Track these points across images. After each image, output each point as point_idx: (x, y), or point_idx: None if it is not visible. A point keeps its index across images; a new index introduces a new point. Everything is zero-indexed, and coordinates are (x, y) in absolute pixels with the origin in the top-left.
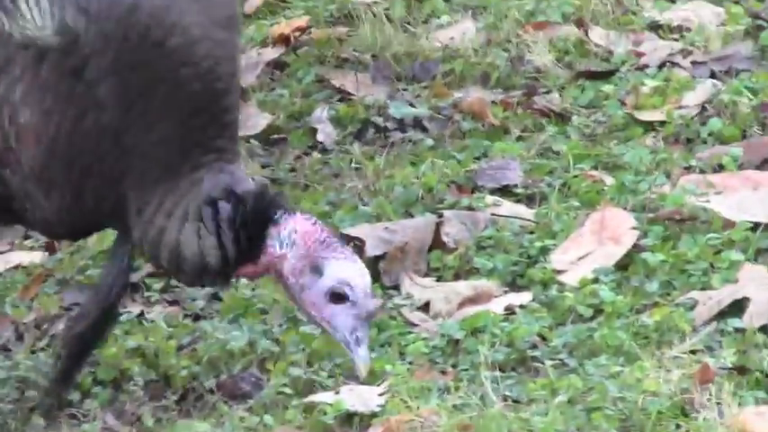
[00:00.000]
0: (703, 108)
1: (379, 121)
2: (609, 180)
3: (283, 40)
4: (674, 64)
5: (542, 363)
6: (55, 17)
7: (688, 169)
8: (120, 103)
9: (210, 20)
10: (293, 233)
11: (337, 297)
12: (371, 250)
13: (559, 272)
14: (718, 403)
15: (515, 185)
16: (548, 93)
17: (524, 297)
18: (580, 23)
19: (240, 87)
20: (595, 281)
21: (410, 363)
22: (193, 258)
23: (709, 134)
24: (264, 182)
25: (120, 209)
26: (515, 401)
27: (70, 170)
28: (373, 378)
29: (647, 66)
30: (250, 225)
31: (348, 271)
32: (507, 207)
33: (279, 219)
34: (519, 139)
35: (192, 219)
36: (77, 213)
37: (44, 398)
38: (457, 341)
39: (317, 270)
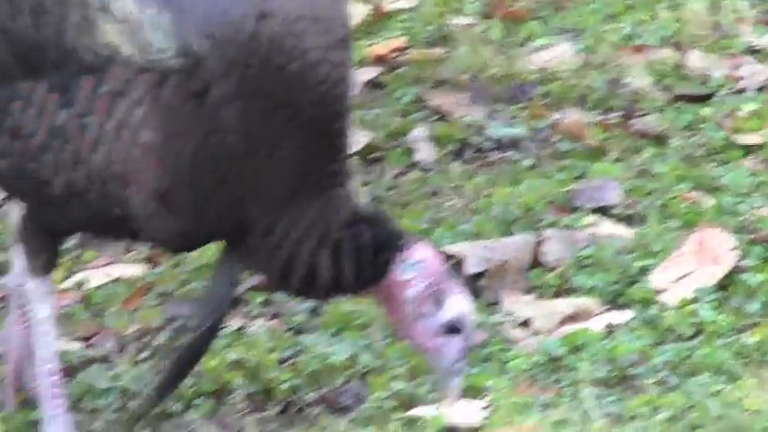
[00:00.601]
0: None
1: (478, 141)
2: (708, 201)
3: (381, 60)
4: None
5: (644, 380)
6: (177, 40)
7: None
8: (243, 127)
9: (327, 42)
10: (420, 261)
11: (452, 329)
12: (471, 268)
13: (659, 291)
14: None
15: (614, 206)
16: (645, 115)
17: (625, 315)
18: (678, 47)
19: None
20: (695, 300)
21: (511, 379)
22: (327, 282)
23: None
24: (382, 210)
25: (241, 230)
26: (617, 418)
27: (193, 192)
28: (475, 393)
29: (744, 90)
30: (383, 250)
31: (464, 306)
32: (607, 227)
33: (407, 245)
34: (617, 160)
35: (327, 247)
36: (198, 232)
37: (143, 407)
38: (558, 358)
39: (437, 301)
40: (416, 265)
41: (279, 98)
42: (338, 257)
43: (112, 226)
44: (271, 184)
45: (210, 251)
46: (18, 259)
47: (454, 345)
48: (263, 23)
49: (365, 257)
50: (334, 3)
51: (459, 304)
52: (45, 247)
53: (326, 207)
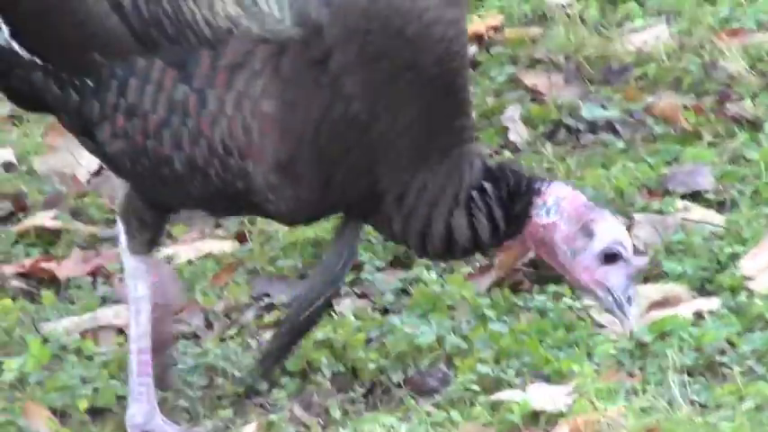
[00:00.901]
0: None
1: (571, 122)
2: None
3: (477, 37)
4: None
5: (730, 368)
6: (295, 10)
7: None
8: (367, 93)
9: (438, 3)
10: (559, 200)
11: (611, 257)
12: None
13: (749, 278)
14: None
15: (706, 191)
16: (740, 100)
17: (713, 303)
18: None
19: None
20: None
21: (597, 364)
22: (465, 242)
23: None
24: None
25: (370, 197)
26: (702, 406)
27: (318, 161)
28: (560, 378)
29: None
30: (518, 199)
31: (618, 230)
32: (697, 212)
33: (541, 188)
34: (710, 144)
35: (461, 205)
36: (322, 202)
37: (249, 375)
38: (644, 344)
39: (588, 233)
40: (556, 205)
41: (399, 60)
42: (474, 215)
43: (232, 201)
44: (399, 147)
45: (302, 229)
46: (119, 236)
47: (618, 272)
48: None
49: (501, 210)
50: None
51: (610, 231)
52: (150, 226)
53: (457, 165)
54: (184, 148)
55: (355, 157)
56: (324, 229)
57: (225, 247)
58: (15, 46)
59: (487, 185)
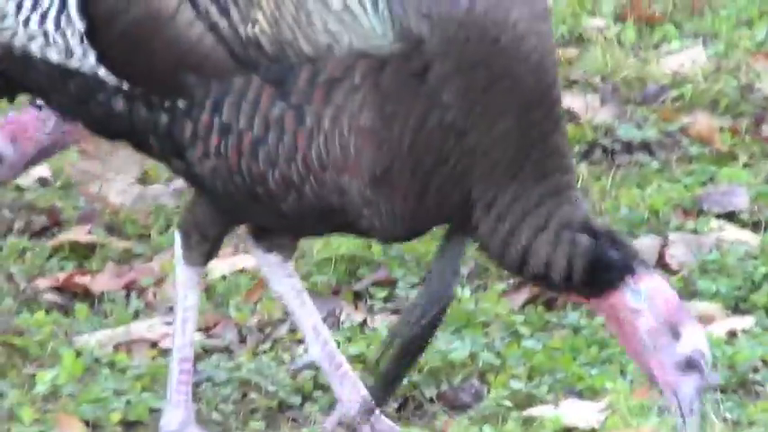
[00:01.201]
0: None
1: (607, 142)
2: None
3: None
4: None
5: (763, 386)
6: (395, 24)
7: None
8: (463, 103)
9: (532, 13)
10: (652, 290)
11: (690, 366)
12: None
13: None
14: None
15: (741, 211)
16: None
17: (747, 321)
18: None
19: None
20: None
21: (630, 381)
22: (537, 267)
23: None
24: (621, 230)
25: (463, 207)
26: (735, 423)
27: (413, 172)
28: (593, 394)
29: None
30: (606, 265)
31: (703, 341)
32: (732, 232)
33: (638, 271)
34: (746, 165)
35: (548, 233)
36: (418, 214)
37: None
38: None
39: (675, 334)
40: (648, 294)
41: (494, 71)
42: (557, 251)
43: (324, 218)
44: (493, 157)
45: (336, 245)
46: (176, 246)
47: (691, 383)
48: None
49: (584, 264)
50: None
51: (696, 339)
52: (211, 239)
53: (557, 192)
54: (280, 165)
55: (450, 167)
56: (357, 244)
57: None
58: (101, 71)
59: (580, 237)
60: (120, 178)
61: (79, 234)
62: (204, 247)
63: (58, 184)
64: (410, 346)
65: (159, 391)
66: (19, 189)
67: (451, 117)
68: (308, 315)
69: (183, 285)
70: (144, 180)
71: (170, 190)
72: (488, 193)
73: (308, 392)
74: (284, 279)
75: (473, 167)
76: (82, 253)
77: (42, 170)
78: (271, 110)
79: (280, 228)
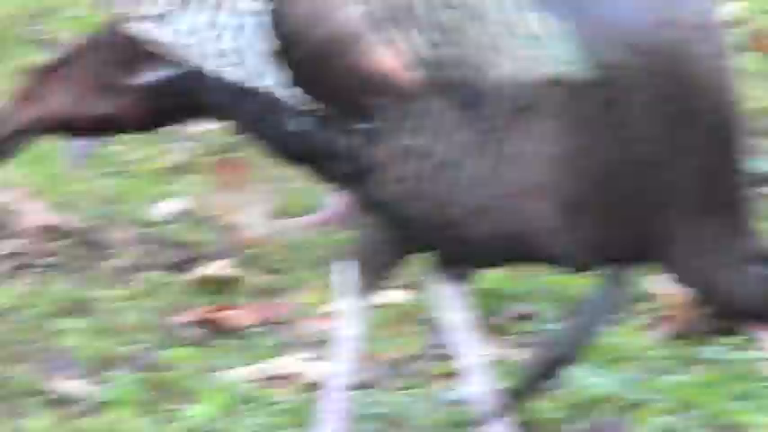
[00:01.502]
0: None
1: None
2: None
3: None
4: None
5: None
6: (587, 51)
7: None
8: (659, 135)
9: (715, 50)
10: None
11: None
12: None
13: None
14: None
15: None
16: None
17: None
18: None
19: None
20: None
21: None
22: (742, 303)
23: None
24: None
25: (653, 241)
26: None
27: (605, 203)
28: (737, 429)
29: None
30: None
31: None
32: None
33: None
34: None
35: (743, 267)
36: (606, 246)
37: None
38: None
39: None
40: None
41: (682, 104)
42: (759, 285)
43: (511, 247)
44: (687, 194)
45: (476, 280)
46: (343, 274)
47: None
48: (665, 30)
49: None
50: (710, 11)
51: None
52: (384, 269)
53: (742, 230)
54: (466, 191)
55: (643, 200)
56: (494, 279)
57: (397, 297)
58: (286, 92)
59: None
60: (259, 211)
61: (218, 268)
62: (379, 275)
63: (197, 218)
64: (553, 365)
65: (306, 426)
66: (157, 223)
67: (646, 150)
68: (473, 350)
69: (350, 314)
70: (283, 212)
71: (310, 222)
72: (683, 231)
73: (454, 428)
74: (459, 310)
75: (667, 203)
76: (221, 287)
77: (181, 203)
78: (461, 134)
79: (459, 257)
